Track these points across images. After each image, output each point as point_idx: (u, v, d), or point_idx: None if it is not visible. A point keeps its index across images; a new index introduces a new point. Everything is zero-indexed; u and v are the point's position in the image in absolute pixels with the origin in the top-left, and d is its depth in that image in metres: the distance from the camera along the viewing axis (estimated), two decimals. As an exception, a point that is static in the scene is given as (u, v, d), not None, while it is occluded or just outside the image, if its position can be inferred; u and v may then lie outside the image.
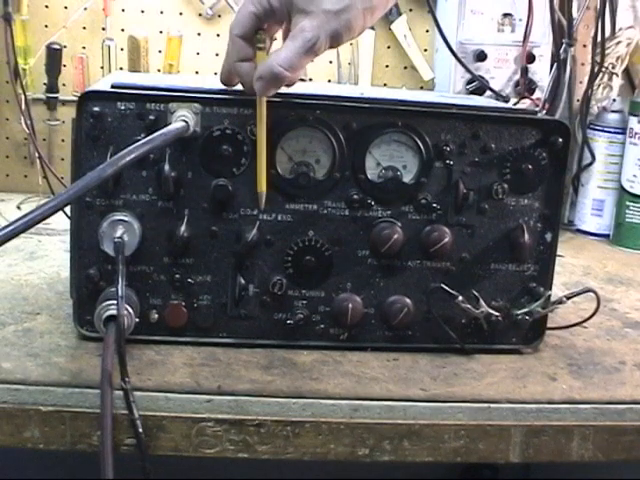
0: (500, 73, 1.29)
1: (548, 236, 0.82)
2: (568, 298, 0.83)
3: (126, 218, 0.75)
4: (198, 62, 1.35)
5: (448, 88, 1.29)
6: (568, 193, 1.39)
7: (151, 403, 0.70)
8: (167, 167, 0.75)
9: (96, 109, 0.74)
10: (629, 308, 1.00)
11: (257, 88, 0.72)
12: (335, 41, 0.71)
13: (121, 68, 1.31)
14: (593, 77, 1.34)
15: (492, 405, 0.73)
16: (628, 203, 1.29)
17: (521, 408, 0.73)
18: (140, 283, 0.78)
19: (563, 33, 1.27)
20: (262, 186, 0.75)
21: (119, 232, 0.74)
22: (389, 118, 0.78)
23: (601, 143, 1.34)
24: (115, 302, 0.71)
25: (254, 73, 0.72)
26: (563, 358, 0.83)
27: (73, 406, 0.69)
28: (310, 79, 1.34)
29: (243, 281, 0.79)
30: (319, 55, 0.71)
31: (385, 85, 1.39)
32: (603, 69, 1.34)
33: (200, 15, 1.34)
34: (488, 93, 1.28)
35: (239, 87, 0.78)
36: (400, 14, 1.33)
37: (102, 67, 1.31)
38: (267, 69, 0.70)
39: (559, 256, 0.88)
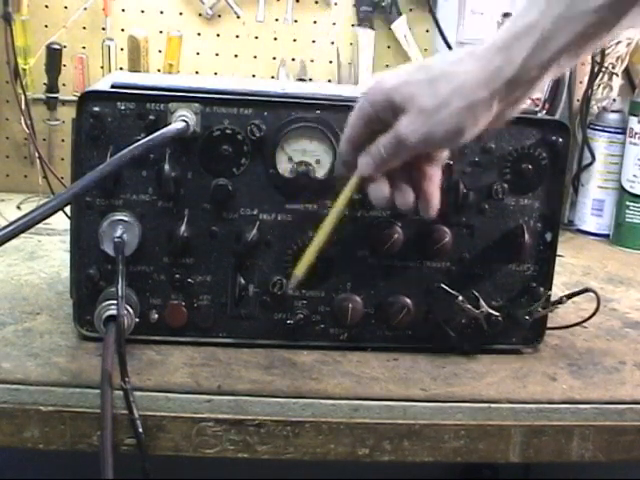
0: (500, 73, 1.29)
1: (548, 236, 0.82)
2: (568, 298, 0.83)
3: (126, 218, 0.75)
4: (198, 62, 1.35)
5: (448, 88, 1.29)
6: (568, 193, 1.39)
7: (151, 403, 0.70)
8: (167, 167, 0.75)
9: (96, 109, 0.74)
10: (629, 308, 1.00)
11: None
12: (427, 143, 0.66)
13: (121, 68, 1.31)
14: (593, 77, 1.34)
15: (492, 405, 0.73)
16: (628, 203, 1.29)
17: (521, 408, 0.73)
18: (140, 283, 0.77)
19: (563, 33, 1.27)
20: (300, 270, 0.73)
21: (119, 232, 0.74)
22: (389, 118, 0.78)
23: (601, 143, 1.34)
24: (115, 302, 0.71)
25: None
26: (563, 358, 0.83)
27: (73, 406, 0.69)
28: (310, 79, 1.34)
29: (243, 281, 0.79)
30: (411, 156, 0.68)
31: (385, 85, 1.39)
32: (603, 69, 1.34)
33: (200, 15, 1.34)
34: (488, 93, 1.28)
35: (240, 88, 0.78)
36: (400, 14, 1.33)
37: (102, 67, 1.31)
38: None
39: (559, 256, 0.87)
